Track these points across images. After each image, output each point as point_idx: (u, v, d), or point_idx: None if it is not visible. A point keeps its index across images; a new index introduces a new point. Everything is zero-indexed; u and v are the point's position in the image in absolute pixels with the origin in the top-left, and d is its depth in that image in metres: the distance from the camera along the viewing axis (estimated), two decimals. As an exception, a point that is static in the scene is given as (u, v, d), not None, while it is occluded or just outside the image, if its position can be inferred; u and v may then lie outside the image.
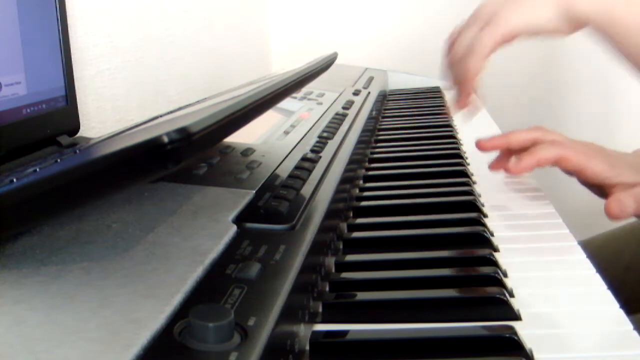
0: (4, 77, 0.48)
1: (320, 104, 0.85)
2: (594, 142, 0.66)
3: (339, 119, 0.75)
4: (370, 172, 0.71)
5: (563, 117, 1.58)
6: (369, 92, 1.00)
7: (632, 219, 0.62)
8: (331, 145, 0.62)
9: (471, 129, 0.93)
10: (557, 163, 0.61)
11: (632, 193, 0.58)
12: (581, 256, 0.49)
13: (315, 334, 0.38)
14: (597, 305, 0.41)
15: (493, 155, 0.68)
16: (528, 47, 1.61)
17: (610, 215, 0.58)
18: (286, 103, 0.80)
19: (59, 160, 0.41)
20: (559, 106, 1.60)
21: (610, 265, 0.71)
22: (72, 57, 0.57)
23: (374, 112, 0.93)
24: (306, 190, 0.48)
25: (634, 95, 1.51)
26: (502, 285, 0.43)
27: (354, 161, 0.65)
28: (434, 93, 1.21)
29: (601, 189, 0.63)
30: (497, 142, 0.65)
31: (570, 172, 0.63)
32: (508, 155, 0.66)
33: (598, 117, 1.56)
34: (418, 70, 1.43)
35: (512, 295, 0.42)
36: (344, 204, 0.56)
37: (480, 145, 0.65)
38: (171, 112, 0.65)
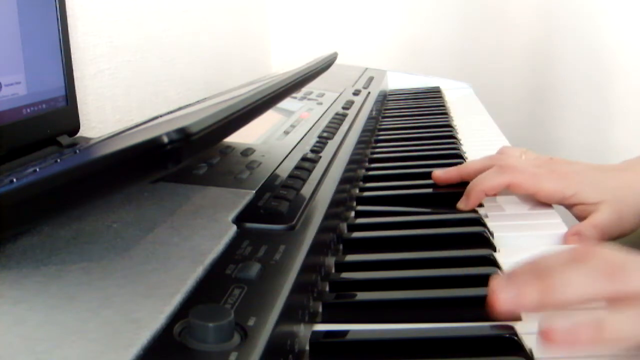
0: (4, 77, 0.48)
1: (320, 104, 0.85)
2: (564, 159, 0.64)
3: (339, 119, 0.75)
4: (370, 172, 0.72)
5: (561, 117, 1.59)
6: (369, 92, 1.00)
7: None
8: (331, 145, 0.62)
9: (471, 129, 0.93)
10: (508, 189, 0.60)
11: (593, 223, 0.56)
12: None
13: (315, 334, 0.38)
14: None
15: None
16: (526, 46, 1.62)
17: None
18: (286, 103, 0.80)
19: (59, 160, 0.42)
20: (555, 107, 1.60)
21: None
22: (72, 57, 0.57)
23: (374, 112, 0.93)
24: (306, 190, 0.48)
25: (629, 98, 1.52)
26: (502, 285, 0.43)
27: (354, 161, 0.65)
28: (434, 93, 1.21)
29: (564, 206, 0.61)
30: (450, 175, 0.64)
31: None
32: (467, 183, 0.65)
33: (594, 117, 1.56)
34: (418, 70, 1.43)
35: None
36: (344, 204, 0.56)
37: (435, 178, 0.64)
38: (171, 112, 0.65)
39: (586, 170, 0.61)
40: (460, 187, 0.61)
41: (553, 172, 0.60)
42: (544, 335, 0.32)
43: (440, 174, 0.64)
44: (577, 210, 0.59)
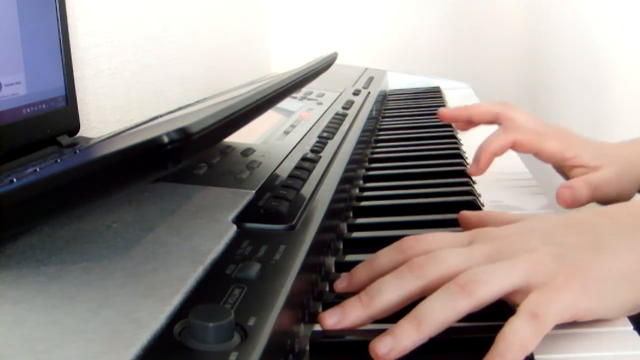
0: (4, 77, 0.48)
1: (320, 104, 0.85)
2: (564, 127, 0.65)
3: (339, 119, 0.75)
4: (370, 172, 0.71)
5: (559, 116, 1.59)
6: (369, 92, 1.00)
7: None
8: (331, 145, 0.62)
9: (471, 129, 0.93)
10: (512, 148, 0.60)
11: (586, 179, 0.56)
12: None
13: (315, 334, 0.38)
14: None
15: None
16: (526, 46, 1.62)
17: (560, 202, 0.56)
18: (286, 103, 0.80)
19: (59, 160, 0.42)
20: (555, 107, 1.60)
21: None
22: (72, 57, 0.57)
23: (374, 112, 0.93)
24: (306, 190, 0.48)
25: (627, 98, 1.52)
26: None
27: (354, 161, 0.65)
28: (434, 93, 1.21)
29: (562, 173, 0.62)
30: (458, 113, 0.65)
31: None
32: (470, 126, 0.65)
33: (592, 117, 1.57)
34: (418, 70, 1.43)
35: None
36: (344, 204, 0.56)
37: (442, 115, 0.65)
38: (171, 112, 0.65)
39: (588, 139, 0.62)
40: (464, 195, 0.61)
41: (556, 134, 0.61)
42: (374, 357, 0.34)
43: (447, 111, 0.65)
44: (576, 172, 0.60)
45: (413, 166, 0.72)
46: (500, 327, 0.36)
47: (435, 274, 0.37)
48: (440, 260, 0.38)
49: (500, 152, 0.60)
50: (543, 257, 0.37)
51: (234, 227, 0.39)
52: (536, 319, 0.34)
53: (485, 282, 0.36)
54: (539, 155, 0.60)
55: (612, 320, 0.38)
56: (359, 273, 0.42)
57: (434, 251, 0.39)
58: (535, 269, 0.36)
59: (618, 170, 0.58)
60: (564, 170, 0.61)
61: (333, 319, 0.37)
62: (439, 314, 0.35)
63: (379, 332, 0.39)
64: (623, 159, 0.59)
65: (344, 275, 0.43)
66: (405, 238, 0.42)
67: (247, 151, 0.56)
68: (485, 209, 0.59)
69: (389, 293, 0.37)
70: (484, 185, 0.65)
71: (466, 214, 0.50)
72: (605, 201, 0.57)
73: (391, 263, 0.40)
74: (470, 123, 0.65)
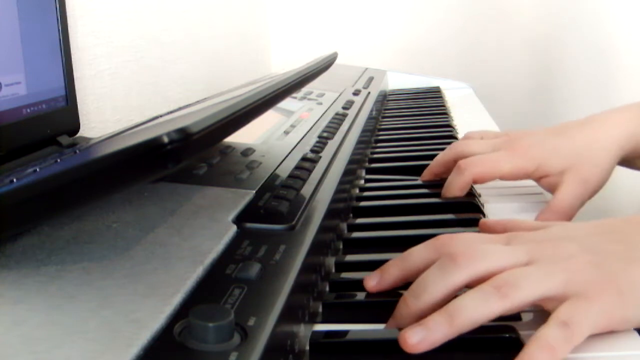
0: (4, 77, 0.48)
1: (320, 104, 0.85)
2: (523, 131, 0.63)
3: (339, 119, 0.75)
4: (370, 172, 0.71)
5: (561, 117, 1.59)
6: (369, 92, 1.00)
7: None
8: (331, 145, 0.62)
9: (471, 129, 0.93)
10: (475, 183, 0.60)
11: (553, 208, 0.56)
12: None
13: (315, 334, 0.38)
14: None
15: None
16: (527, 46, 1.62)
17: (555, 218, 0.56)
18: (286, 103, 0.80)
19: (59, 160, 0.42)
20: (556, 107, 1.60)
21: None
22: (72, 57, 0.57)
23: (374, 112, 0.93)
24: (306, 190, 0.48)
25: (632, 98, 1.51)
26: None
27: (354, 161, 0.65)
28: (434, 93, 1.21)
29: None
30: (424, 178, 0.65)
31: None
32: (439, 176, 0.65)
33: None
34: (418, 70, 1.43)
35: (519, 319, 0.42)
36: (344, 204, 0.56)
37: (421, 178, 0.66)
38: (171, 112, 0.65)
39: (545, 139, 0.61)
40: (464, 195, 0.60)
41: (512, 150, 0.60)
42: (404, 346, 0.34)
43: (423, 176, 0.66)
44: (543, 183, 0.60)
45: (413, 166, 0.72)
46: (503, 327, 0.36)
47: (480, 267, 0.37)
48: (485, 255, 0.38)
49: (462, 194, 0.59)
50: (581, 265, 0.37)
51: (234, 227, 0.39)
52: (567, 327, 0.34)
53: (521, 287, 0.36)
54: (502, 179, 0.60)
55: None
56: (391, 270, 0.41)
57: (475, 247, 0.39)
58: (573, 277, 0.36)
59: (582, 168, 0.57)
60: (535, 181, 0.61)
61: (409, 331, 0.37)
62: (472, 312, 0.35)
63: (380, 332, 0.39)
64: (584, 150, 0.58)
65: (373, 273, 0.42)
66: (439, 236, 0.41)
67: (247, 151, 0.56)
68: (485, 209, 0.59)
69: (435, 289, 0.37)
70: (484, 186, 0.65)
71: (488, 222, 0.49)
72: (580, 206, 0.57)
73: (425, 261, 0.40)
74: (437, 175, 0.65)
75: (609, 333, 0.37)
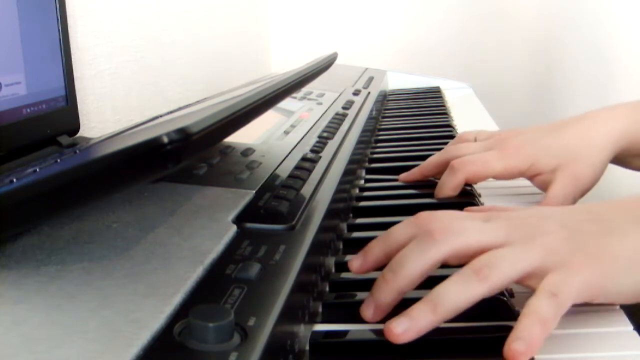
0: (4, 77, 0.48)
1: (320, 104, 0.85)
2: (516, 130, 0.63)
3: (339, 119, 0.75)
4: (370, 173, 0.71)
5: (561, 117, 1.58)
6: (369, 92, 1.00)
7: None
8: (331, 145, 0.62)
9: (471, 129, 0.93)
10: (466, 183, 0.60)
11: (570, 190, 0.57)
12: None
13: (315, 334, 0.38)
14: (597, 305, 0.41)
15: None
16: (527, 46, 1.62)
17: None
18: (286, 103, 0.80)
19: (59, 160, 0.42)
20: (556, 107, 1.60)
21: None
22: (72, 57, 0.57)
23: (374, 112, 0.93)
24: (306, 190, 0.48)
25: (632, 99, 1.51)
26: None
27: (354, 161, 0.65)
28: (434, 93, 1.21)
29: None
30: (413, 175, 0.65)
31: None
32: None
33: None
34: (418, 70, 1.43)
35: (512, 296, 0.42)
36: (344, 204, 0.56)
37: (401, 179, 0.66)
38: (171, 112, 0.65)
39: (538, 137, 0.61)
40: (464, 195, 0.61)
41: (505, 150, 0.60)
42: (389, 336, 0.35)
43: (405, 175, 0.65)
44: (536, 181, 0.60)
45: (413, 166, 0.72)
46: (499, 327, 0.36)
47: (458, 243, 0.38)
48: (463, 231, 0.39)
49: (454, 194, 0.59)
50: (558, 240, 0.37)
51: (234, 227, 0.39)
52: (555, 298, 0.34)
53: (499, 268, 0.36)
54: (495, 178, 0.60)
55: (624, 302, 0.38)
56: (374, 250, 0.42)
57: (453, 223, 0.39)
58: (551, 251, 0.37)
59: (574, 166, 0.57)
60: (528, 179, 0.61)
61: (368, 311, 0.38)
62: (454, 298, 0.35)
63: (379, 331, 0.39)
64: (575, 147, 0.58)
65: (356, 255, 0.42)
66: (420, 213, 0.42)
67: (247, 151, 0.56)
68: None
69: (414, 264, 0.38)
70: (484, 186, 0.65)
71: (472, 209, 0.50)
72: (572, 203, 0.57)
73: (406, 238, 0.40)
74: (427, 176, 0.65)
75: (609, 333, 0.37)
